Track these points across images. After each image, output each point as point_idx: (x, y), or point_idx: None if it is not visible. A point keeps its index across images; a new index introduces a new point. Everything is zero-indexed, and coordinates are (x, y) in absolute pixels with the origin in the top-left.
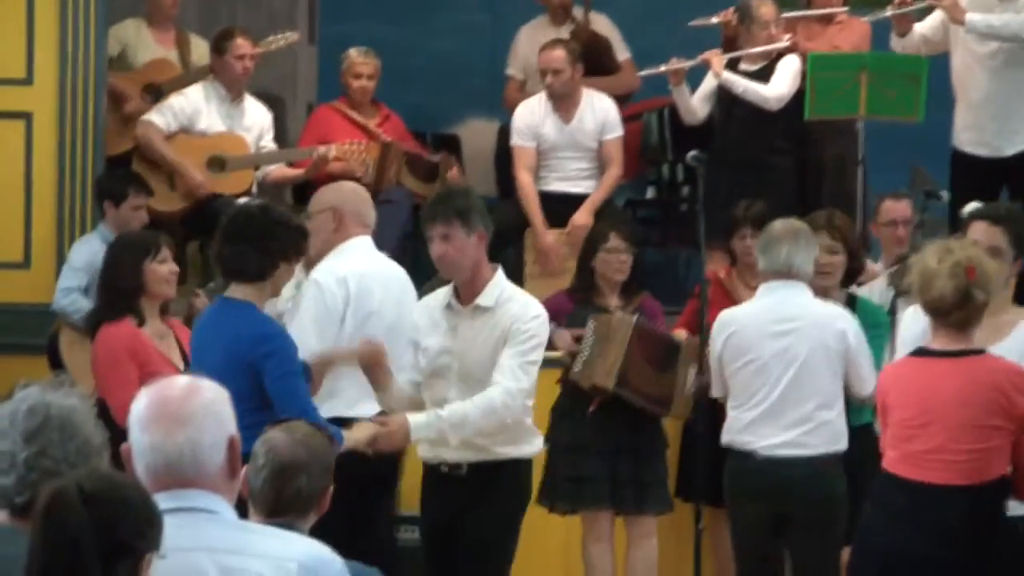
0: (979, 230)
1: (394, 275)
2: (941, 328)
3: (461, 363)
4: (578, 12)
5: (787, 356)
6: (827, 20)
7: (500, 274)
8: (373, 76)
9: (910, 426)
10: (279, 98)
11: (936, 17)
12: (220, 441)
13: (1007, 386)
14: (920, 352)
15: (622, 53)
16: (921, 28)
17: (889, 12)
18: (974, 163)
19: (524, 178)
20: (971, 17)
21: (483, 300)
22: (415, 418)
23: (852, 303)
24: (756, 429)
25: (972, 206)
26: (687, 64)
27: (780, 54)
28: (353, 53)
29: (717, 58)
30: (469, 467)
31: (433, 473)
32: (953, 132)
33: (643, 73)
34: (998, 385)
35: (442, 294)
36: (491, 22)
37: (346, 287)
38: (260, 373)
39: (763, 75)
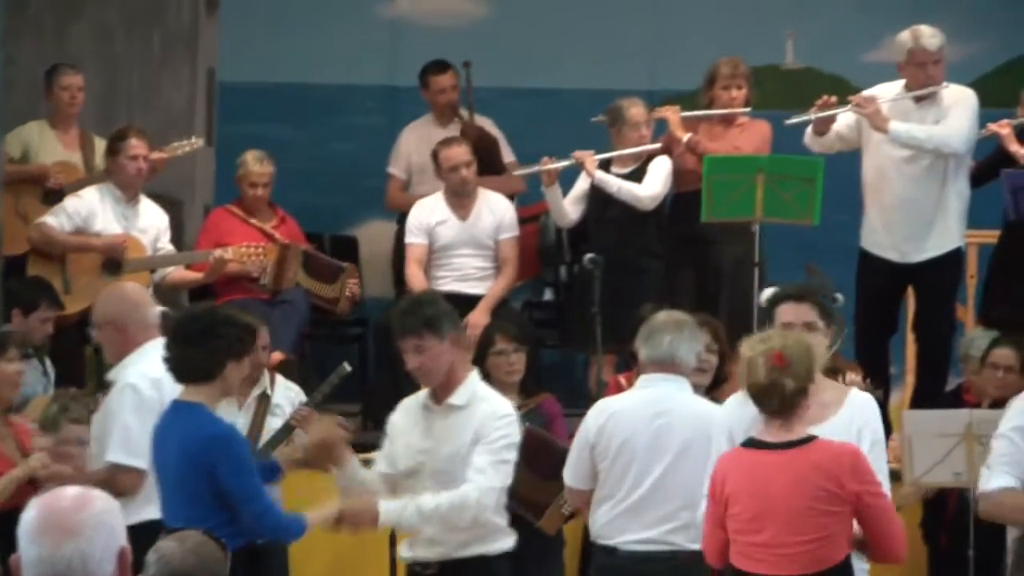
0: (788, 312)
1: None
2: (766, 417)
3: (434, 461)
4: (463, 113)
5: (657, 452)
6: (728, 121)
7: (475, 374)
8: (268, 184)
9: (745, 520)
10: (177, 200)
11: (852, 115)
12: (110, 552)
13: (836, 470)
14: (752, 443)
15: (507, 155)
16: (836, 126)
17: (812, 115)
18: (881, 265)
19: (413, 271)
20: (894, 126)
21: (455, 399)
22: (385, 503)
23: None
24: (620, 524)
25: (769, 292)
26: (560, 165)
27: (651, 156)
28: (250, 160)
29: (590, 158)
30: (441, 566)
31: (410, 573)
32: (861, 233)
33: (517, 173)
34: (828, 471)
35: (423, 395)
36: (389, 124)
37: (159, 389)
38: (215, 474)
39: (635, 177)
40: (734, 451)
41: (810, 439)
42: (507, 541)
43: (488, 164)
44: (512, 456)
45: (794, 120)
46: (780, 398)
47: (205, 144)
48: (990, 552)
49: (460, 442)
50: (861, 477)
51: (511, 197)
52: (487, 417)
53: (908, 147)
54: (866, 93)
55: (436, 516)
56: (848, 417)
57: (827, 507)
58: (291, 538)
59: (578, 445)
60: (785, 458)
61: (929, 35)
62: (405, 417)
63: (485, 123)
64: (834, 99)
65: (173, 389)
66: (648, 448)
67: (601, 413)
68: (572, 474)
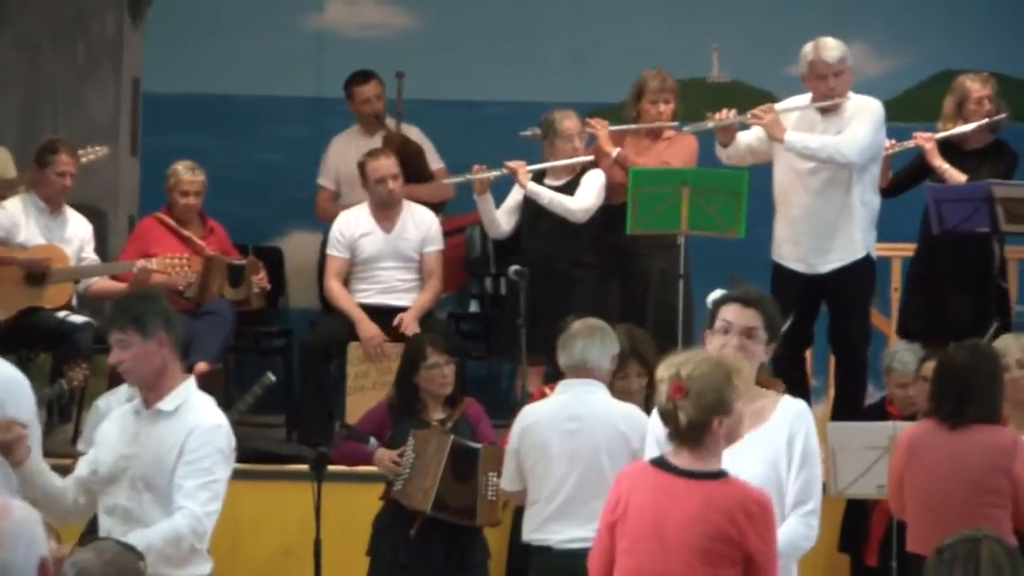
0: (732, 312)
1: (8, 376)
2: (673, 442)
3: (135, 468)
4: (390, 123)
5: (574, 454)
6: (655, 135)
7: (190, 382)
8: (200, 193)
9: (637, 540)
10: (100, 210)
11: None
12: (31, 563)
13: (739, 514)
14: (660, 463)
15: (435, 163)
16: (747, 138)
17: (710, 125)
18: (793, 276)
19: (333, 284)
20: (790, 136)
21: (164, 404)
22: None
23: None
24: (551, 526)
25: (718, 293)
26: (492, 174)
27: (585, 168)
28: (180, 169)
29: (522, 169)
30: None
31: None
32: (772, 245)
33: (447, 181)
34: (730, 512)
35: (137, 401)
36: (315, 135)
37: None
38: None
39: (569, 190)
40: (641, 466)
41: (721, 474)
42: (203, 567)
43: (412, 172)
44: (222, 472)
45: (689, 128)
46: (675, 428)
47: (129, 154)
48: (912, 563)
49: (164, 449)
50: (761, 532)
51: (441, 205)
52: (192, 431)
53: (803, 157)
54: (778, 105)
55: (150, 554)
56: (779, 425)
57: (722, 549)
58: None
59: (508, 451)
60: (689, 488)
61: (831, 47)
62: (114, 423)
63: (412, 132)
64: (732, 112)
65: None
66: (564, 451)
67: (522, 419)
68: (505, 478)
